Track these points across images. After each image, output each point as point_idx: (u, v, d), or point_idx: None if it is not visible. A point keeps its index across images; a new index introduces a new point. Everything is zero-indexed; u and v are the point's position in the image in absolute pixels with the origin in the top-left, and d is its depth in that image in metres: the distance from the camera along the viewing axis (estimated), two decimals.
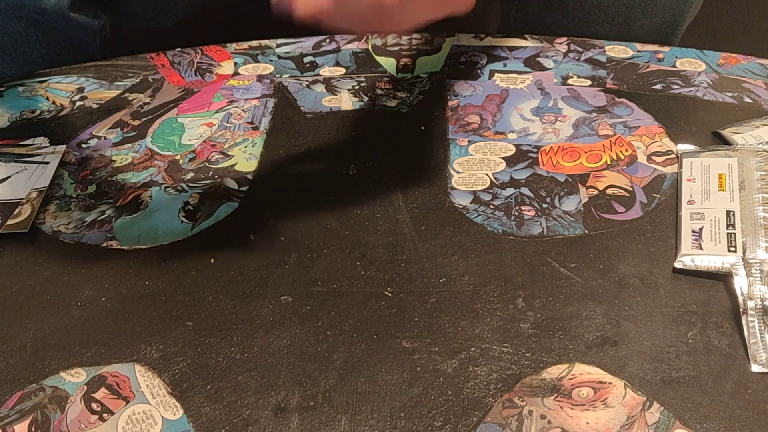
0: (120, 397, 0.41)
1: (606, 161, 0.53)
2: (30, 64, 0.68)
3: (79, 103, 0.62)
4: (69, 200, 0.53)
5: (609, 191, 0.51)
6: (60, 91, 0.64)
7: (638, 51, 0.64)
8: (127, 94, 0.62)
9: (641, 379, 0.40)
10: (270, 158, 0.55)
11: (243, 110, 0.60)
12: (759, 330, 0.41)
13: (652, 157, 0.53)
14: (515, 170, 0.53)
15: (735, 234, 0.45)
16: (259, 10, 0.71)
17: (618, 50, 0.64)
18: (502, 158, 0.54)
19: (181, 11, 0.71)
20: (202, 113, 0.60)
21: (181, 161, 0.56)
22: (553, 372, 0.40)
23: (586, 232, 0.48)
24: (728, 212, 0.47)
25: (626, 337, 0.42)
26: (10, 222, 0.51)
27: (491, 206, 0.50)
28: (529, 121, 0.57)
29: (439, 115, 0.58)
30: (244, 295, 0.45)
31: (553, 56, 0.63)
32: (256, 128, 0.58)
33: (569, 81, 0.61)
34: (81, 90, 0.64)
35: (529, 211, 0.50)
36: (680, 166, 0.52)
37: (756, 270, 0.43)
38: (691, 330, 0.42)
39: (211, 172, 0.54)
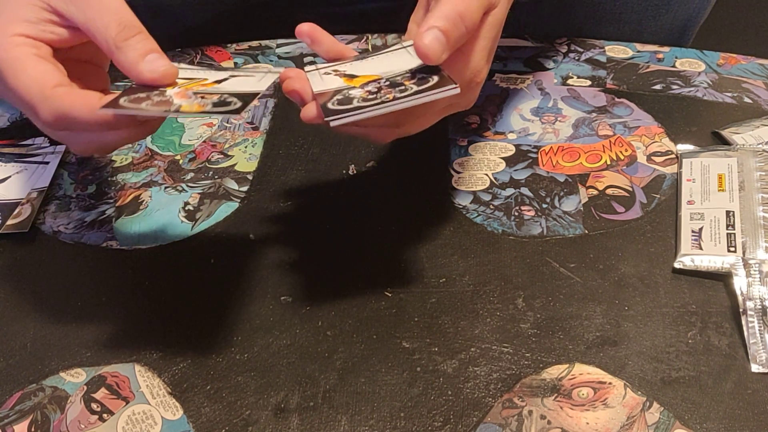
0: (120, 398, 0.41)
1: (606, 161, 0.53)
2: None
3: None
4: (69, 200, 0.53)
5: (609, 191, 0.51)
6: None
7: (638, 51, 0.64)
8: None
9: (641, 379, 0.40)
10: (270, 158, 0.55)
11: None
12: (759, 330, 0.41)
13: (652, 157, 0.53)
14: (515, 170, 0.53)
15: (735, 234, 0.45)
16: (260, 10, 0.71)
17: (618, 50, 0.64)
18: (502, 158, 0.54)
19: (185, 24, 0.71)
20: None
21: (181, 161, 0.56)
22: (553, 372, 0.40)
23: (586, 232, 0.48)
24: (728, 212, 0.47)
25: (626, 337, 0.42)
26: (10, 222, 0.51)
27: (491, 206, 0.50)
28: (528, 121, 0.57)
29: None
30: (244, 295, 0.45)
31: (553, 56, 0.63)
32: (256, 128, 0.58)
33: (569, 81, 0.60)
34: None
35: (529, 211, 0.50)
36: (680, 166, 0.52)
37: (755, 270, 0.43)
38: (691, 330, 0.42)
39: (211, 172, 0.54)
